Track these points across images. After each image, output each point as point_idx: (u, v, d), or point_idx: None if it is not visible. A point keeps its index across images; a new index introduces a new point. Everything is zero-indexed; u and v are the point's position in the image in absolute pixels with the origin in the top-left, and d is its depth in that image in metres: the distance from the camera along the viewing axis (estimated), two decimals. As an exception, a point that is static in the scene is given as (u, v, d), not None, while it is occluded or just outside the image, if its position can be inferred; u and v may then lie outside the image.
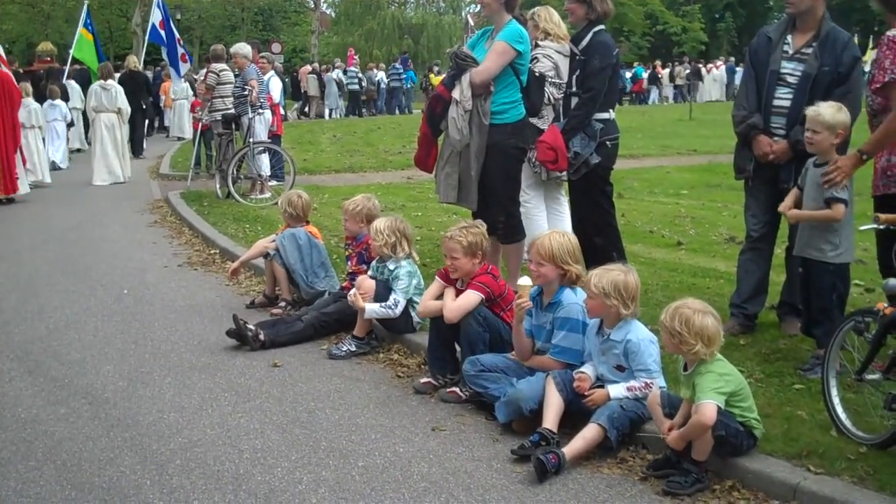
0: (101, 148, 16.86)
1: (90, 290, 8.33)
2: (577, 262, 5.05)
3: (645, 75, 46.42)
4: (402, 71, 39.26)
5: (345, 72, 37.49)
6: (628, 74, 45.45)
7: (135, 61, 22.72)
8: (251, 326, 6.50)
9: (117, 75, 20.18)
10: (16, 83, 14.96)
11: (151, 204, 13.77)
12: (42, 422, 5.19)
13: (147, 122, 24.74)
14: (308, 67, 37.95)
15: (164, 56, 23.42)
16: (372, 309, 6.15)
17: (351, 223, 7.05)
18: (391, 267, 6.27)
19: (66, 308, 7.72)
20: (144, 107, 22.19)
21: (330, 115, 36.48)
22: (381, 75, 37.08)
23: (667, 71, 47.02)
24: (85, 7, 21.33)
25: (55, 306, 7.80)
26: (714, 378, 4.12)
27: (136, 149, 20.89)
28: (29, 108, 15.97)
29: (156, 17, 21.96)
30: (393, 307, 6.14)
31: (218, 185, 13.64)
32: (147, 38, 22.61)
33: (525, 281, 5.04)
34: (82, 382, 5.84)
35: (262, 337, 6.44)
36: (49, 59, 23.33)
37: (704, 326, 4.12)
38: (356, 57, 41.19)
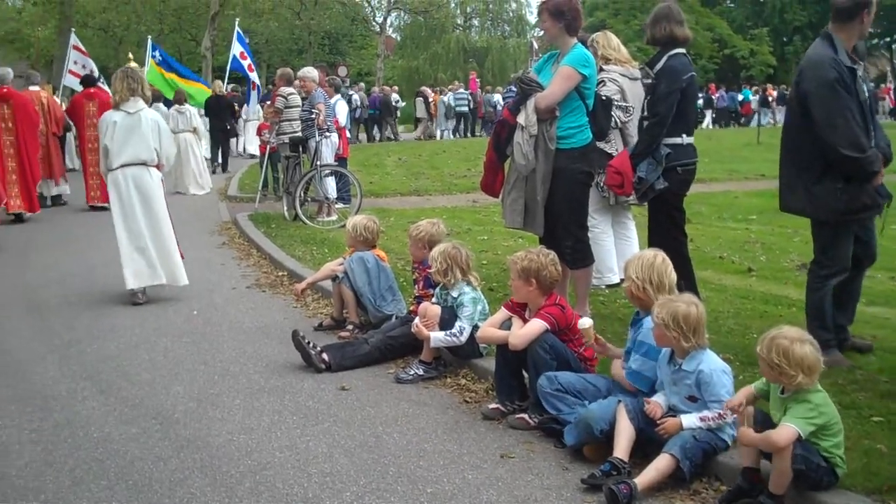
0: (184, 164, 18.60)
1: (160, 310, 8.45)
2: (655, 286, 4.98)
3: (754, 98, 46.02)
4: (515, 93, 39.44)
5: (456, 95, 37.88)
6: (740, 97, 45.51)
7: (220, 86, 24.31)
8: (314, 346, 6.54)
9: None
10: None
11: (220, 225, 13.93)
12: (114, 441, 5.26)
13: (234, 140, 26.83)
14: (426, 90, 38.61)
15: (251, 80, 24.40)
16: (437, 337, 6.15)
17: (414, 248, 7.09)
18: (454, 294, 6.27)
19: (137, 328, 7.84)
20: (229, 127, 23.87)
21: (441, 136, 36.94)
22: (497, 97, 37.27)
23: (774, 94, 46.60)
24: (149, 40, 21.98)
25: (126, 326, 7.92)
26: (808, 408, 4.04)
27: (222, 164, 23.26)
28: None
29: (236, 48, 22.65)
30: (458, 335, 6.12)
31: (285, 208, 13.78)
32: (230, 65, 23.27)
33: (585, 323, 5.08)
34: (153, 402, 5.91)
35: (325, 357, 6.47)
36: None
37: (804, 356, 4.02)
38: (478, 80, 41.50)
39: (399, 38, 63.73)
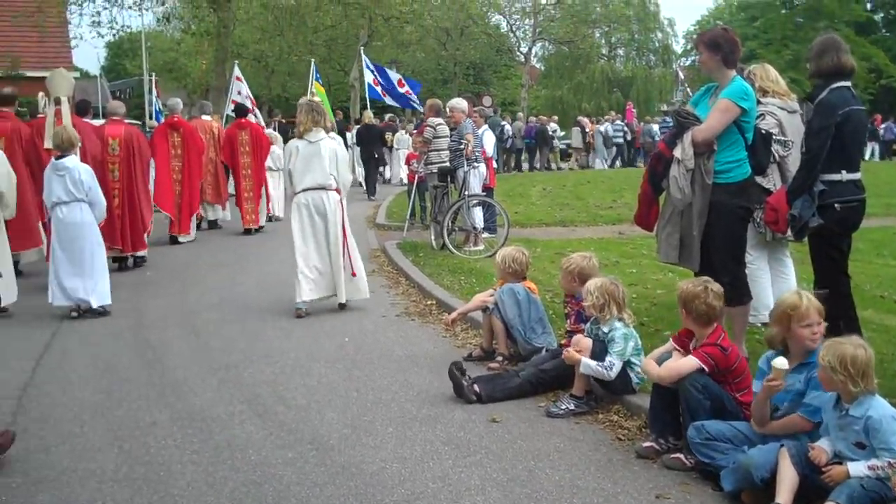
0: None
1: (314, 336, 8.64)
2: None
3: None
4: (672, 125, 38.99)
5: (613, 125, 37.83)
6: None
7: (370, 116, 25.24)
8: (468, 377, 6.58)
9: (356, 127, 25.06)
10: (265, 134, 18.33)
11: (369, 253, 14.11)
12: (271, 465, 5.39)
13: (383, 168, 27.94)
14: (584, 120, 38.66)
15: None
16: (587, 364, 6.08)
17: (565, 281, 7.07)
18: (605, 329, 6.21)
19: (292, 352, 8.03)
20: (377, 155, 24.69)
21: (599, 165, 36.81)
22: (655, 128, 36.93)
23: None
24: (313, 64, 22.75)
25: (281, 350, 8.13)
26: None
27: (370, 191, 23.96)
28: (273, 154, 18.23)
29: (368, 77, 23.38)
30: (608, 369, 6.06)
31: (433, 237, 13.93)
32: (367, 94, 23.97)
33: (781, 363, 4.75)
34: (308, 428, 6.03)
35: (476, 389, 6.49)
36: None
37: None
38: (634, 110, 41.30)
39: (543, 68, 63.90)
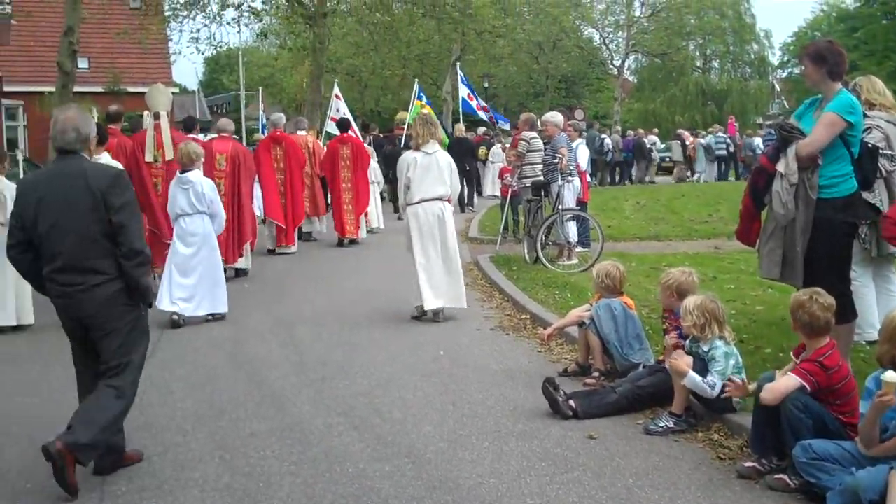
0: None
1: (410, 349, 8.68)
2: None
3: None
4: (775, 139, 38.21)
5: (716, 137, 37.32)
6: None
7: (461, 129, 25.37)
8: (562, 392, 6.53)
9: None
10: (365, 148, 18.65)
11: (462, 267, 14.11)
12: (368, 477, 5.42)
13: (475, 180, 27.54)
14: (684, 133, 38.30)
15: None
16: (693, 378, 5.98)
17: (663, 296, 6.99)
18: (705, 348, 6.12)
19: (387, 366, 8.07)
20: (468, 168, 24.54)
21: (697, 179, 36.17)
22: (757, 141, 36.31)
23: None
24: (416, 84, 23.09)
25: (376, 363, 8.18)
26: None
27: (463, 205, 23.74)
28: (370, 167, 18.62)
29: (463, 91, 23.66)
30: (711, 387, 5.96)
31: (526, 250, 13.87)
32: (461, 108, 24.21)
33: (892, 377, 4.57)
34: (405, 441, 6.05)
35: (572, 404, 6.44)
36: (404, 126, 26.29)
37: None
38: (736, 124, 40.87)
39: (635, 81, 63.38)
